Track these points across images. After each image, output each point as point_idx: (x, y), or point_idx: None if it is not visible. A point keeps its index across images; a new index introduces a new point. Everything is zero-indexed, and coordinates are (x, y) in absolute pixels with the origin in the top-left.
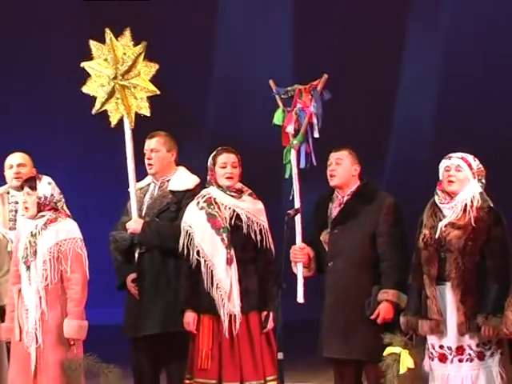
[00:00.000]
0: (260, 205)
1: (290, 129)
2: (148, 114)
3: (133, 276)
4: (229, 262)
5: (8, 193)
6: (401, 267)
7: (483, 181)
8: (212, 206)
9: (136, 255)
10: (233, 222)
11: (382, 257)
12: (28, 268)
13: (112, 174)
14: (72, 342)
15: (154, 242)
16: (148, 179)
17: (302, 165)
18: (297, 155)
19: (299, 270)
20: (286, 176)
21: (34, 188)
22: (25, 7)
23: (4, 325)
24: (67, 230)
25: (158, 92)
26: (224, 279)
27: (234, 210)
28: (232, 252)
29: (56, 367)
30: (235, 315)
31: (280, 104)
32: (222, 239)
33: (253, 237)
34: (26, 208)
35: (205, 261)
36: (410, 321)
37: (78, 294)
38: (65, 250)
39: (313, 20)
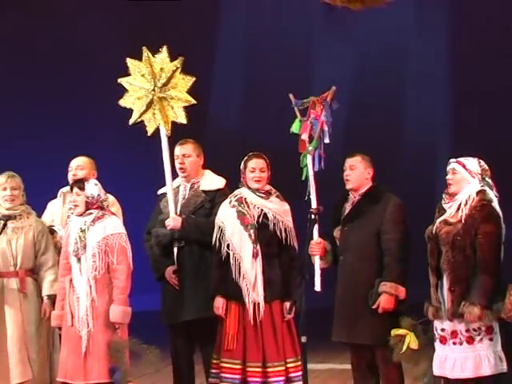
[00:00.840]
0: (286, 206)
1: (305, 136)
2: (185, 122)
3: (171, 268)
4: (254, 255)
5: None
6: (401, 261)
7: (487, 179)
8: (242, 205)
9: (175, 249)
10: (260, 219)
11: (386, 252)
12: (79, 260)
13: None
14: (117, 326)
15: (193, 236)
16: (176, 182)
17: (317, 168)
18: (312, 159)
19: (316, 262)
20: (303, 178)
21: (82, 188)
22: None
23: (55, 312)
24: (113, 225)
25: (195, 102)
26: (249, 271)
27: (261, 210)
28: (258, 247)
29: (104, 348)
30: (259, 303)
31: (298, 114)
32: (250, 235)
33: (278, 234)
34: (76, 206)
35: (233, 253)
36: (426, 306)
37: (123, 283)
38: (111, 243)
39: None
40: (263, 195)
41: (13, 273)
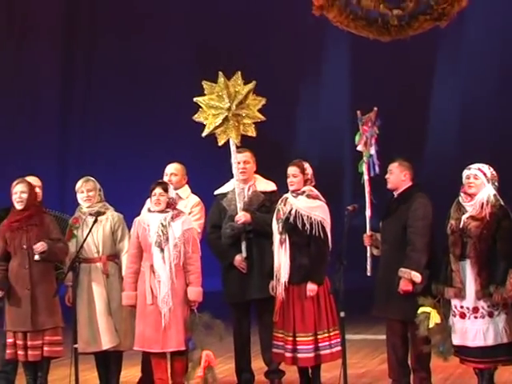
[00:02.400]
0: (316, 203)
1: (360, 147)
2: (254, 135)
3: (240, 256)
4: (281, 243)
5: None
6: (420, 252)
7: (496, 184)
8: (282, 204)
9: (244, 240)
10: (289, 215)
11: (408, 243)
12: (162, 250)
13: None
14: (193, 304)
15: (261, 228)
16: (230, 185)
17: (372, 173)
18: (367, 167)
19: (368, 251)
20: (362, 182)
21: (166, 190)
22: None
23: (126, 293)
24: (188, 222)
25: (264, 119)
26: (276, 256)
27: (291, 207)
28: (284, 236)
29: (182, 322)
30: (283, 283)
31: (360, 129)
32: (278, 227)
33: (300, 226)
34: (159, 203)
35: (271, 243)
36: (439, 288)
37: (197, 268)
38: (187, 236)
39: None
40: (295, 195)
41: (97, 258)
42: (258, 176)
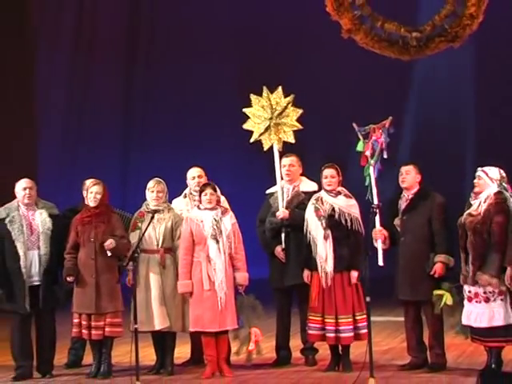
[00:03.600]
0: (352, 201)
1: (368, 153)
2: (293, 142)
3: (280, 247)
4: (325, 238)
5: (191, 194)
6: (448, 240)
7: (504, 184)
8: (319, 202)
9: (283, 234)
10: (330, 212)
11: (436, 232)
12: (217, 242)
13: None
14: (240, 287)
15: (298, 223)
16: (281, 184)
17: (377, 175)
18: (373, 170)
19: (379, 244)
20: (366, 184)
21: (215, 190)
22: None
23: (182, 282)
24: (233, 217)
25: (301, 127)
26: (321, 249)
27: (331, 205)
28: (328, 231)
29: (233, 303)
30: (328, 273)
31: (361, 137)
32: (321, 223)
33: (343, 222)
34: (211, 202)
35: (312, 237)
36: (456, 274)
37: (242, 256)
38: (234, 229)
39: None
40: (333, 195)
41: (156, 250)
42: (303, 178)
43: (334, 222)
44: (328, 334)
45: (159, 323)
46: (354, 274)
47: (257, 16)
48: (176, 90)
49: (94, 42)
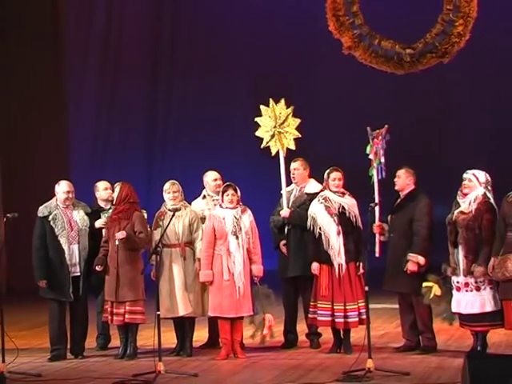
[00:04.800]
0: (354, 201)
1: (371, 156)
2: (294, 148)
3: (283, 242)
4: (338, 233)
5: (209, 195)
6: (424, 240)
7: (489, 187)
8: (327, 202)
9: (286, 230)
10: (340, 210)
11: (414, 233)
12: (237, 237)
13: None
14: (256, 278)
15: (296, 222)
16: (292, 186)
17: (380, 177)
18: (376, 171)
19: (376, 237)
20: (371, 184)
21: (236, 191)
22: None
23: (203, 272)
24: (251, 215)
25: (300, 135)
26: (335, 243)
27: (340, 204)
28: (340, 227)
29: (249, 292)
30: (342, 264)
31: (370, 141)
32: (334, 220)
33: (351, 219)
34: (232, 201)
35: (324, 233)
36: (445, 267)
37: (258, 250)
38: (252, 226)
39: None
40: (340, 195)
41: (177, 244)
42: (311, 180)
43: (344, 219)
44: (337, 320)
45: (183, 309)
46: (361, 265)
47: (269, 36)
48: (195, 101)
49: (122, 55)
